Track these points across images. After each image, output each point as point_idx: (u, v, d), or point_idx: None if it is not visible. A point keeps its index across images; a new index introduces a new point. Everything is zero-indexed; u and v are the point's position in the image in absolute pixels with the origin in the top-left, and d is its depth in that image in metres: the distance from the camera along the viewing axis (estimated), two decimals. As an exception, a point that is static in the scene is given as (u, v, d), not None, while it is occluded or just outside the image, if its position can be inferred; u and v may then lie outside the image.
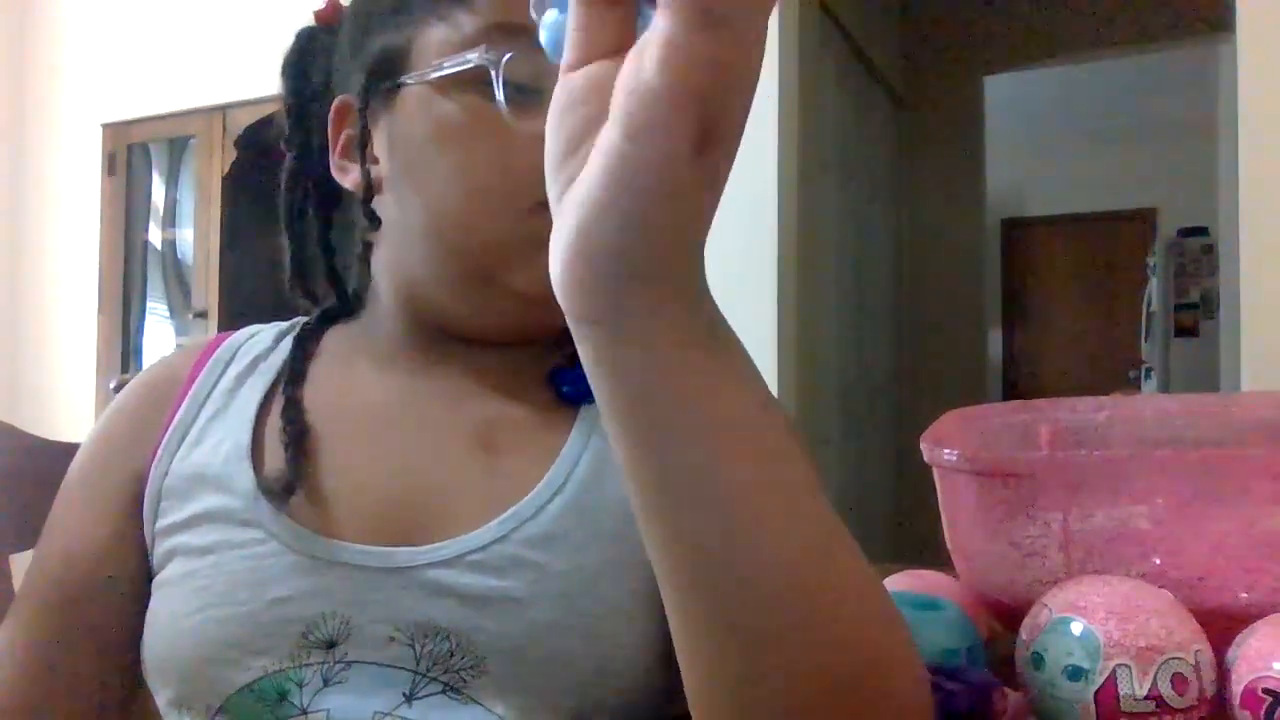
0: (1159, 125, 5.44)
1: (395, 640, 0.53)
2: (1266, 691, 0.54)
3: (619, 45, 0.31)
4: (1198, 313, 5.07)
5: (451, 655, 0.53)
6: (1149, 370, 5.20)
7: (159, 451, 0.60)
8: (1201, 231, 5.02)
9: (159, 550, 0.58)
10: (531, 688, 0.53)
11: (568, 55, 0.32)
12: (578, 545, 0.55)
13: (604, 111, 0.30)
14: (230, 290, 3.10)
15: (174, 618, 0.55)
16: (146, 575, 0.59)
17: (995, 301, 5.18)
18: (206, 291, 3.13)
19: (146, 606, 0.58)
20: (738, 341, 0.37)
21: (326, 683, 0.53)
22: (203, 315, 3.15)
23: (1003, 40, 3.79)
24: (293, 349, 0.63)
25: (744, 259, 2.26)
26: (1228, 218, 2.17)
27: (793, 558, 0.36)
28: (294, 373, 0.62)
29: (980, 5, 3.74)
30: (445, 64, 0.56)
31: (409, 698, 0.53)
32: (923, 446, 0.74)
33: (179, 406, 0.62)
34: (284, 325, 0.67)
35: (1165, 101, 5.22)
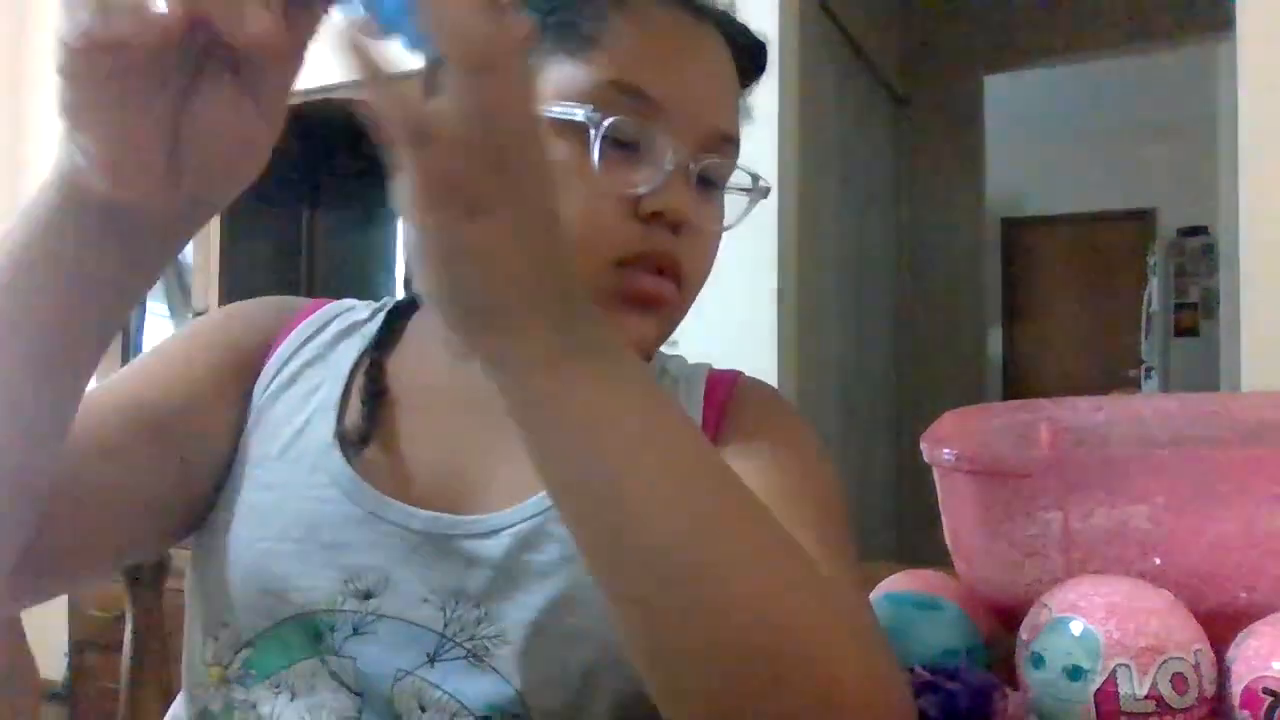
0: (1159, 125, 5.44)
1: (428, 602, 0.56)
2: (1266, 691, 0.54)
3: None
4: (1198, 313, 5.06)
5: (479, 623, 0.56)
6: (1149, 370, 5.20)
7: (266, 366, 0.64)
8: (1201, 231, 5.01)
9: (241, 472, 0.61)
10: (545, 662, 0.55)
11: None
12: None
13: None
14: (230, 290, 3.10)
15: (233, 540, 0.58)
16: (221, 462, 0.61)
17: (995, 301, 5.18)
18: (206, 291, 3.13)
19: (209, 483, 0.60)
20: (616, 356, 0.41)
21: (356, 631, 0.56)
22: (202, 315, 3.15)
23: (1003, 40, 3.79)
24: (385, 318, 0.68)
25: (744, 259, 2.26)
26: (1228, 218, 2.17)
27: (674, 540, 0.40)
28: (381, 339, 0.66)
29: (980, 5, 3.74)
30: (554, 108, 0.57)
31: (432, 659, 0.55)
32: (923, 446, 0.74)
33: (283, 339, 0.65)
34: (377, 304, 0.70)
35: (1165, 101, 5.21)
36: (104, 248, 0.40)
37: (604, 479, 0.40)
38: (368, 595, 0.56)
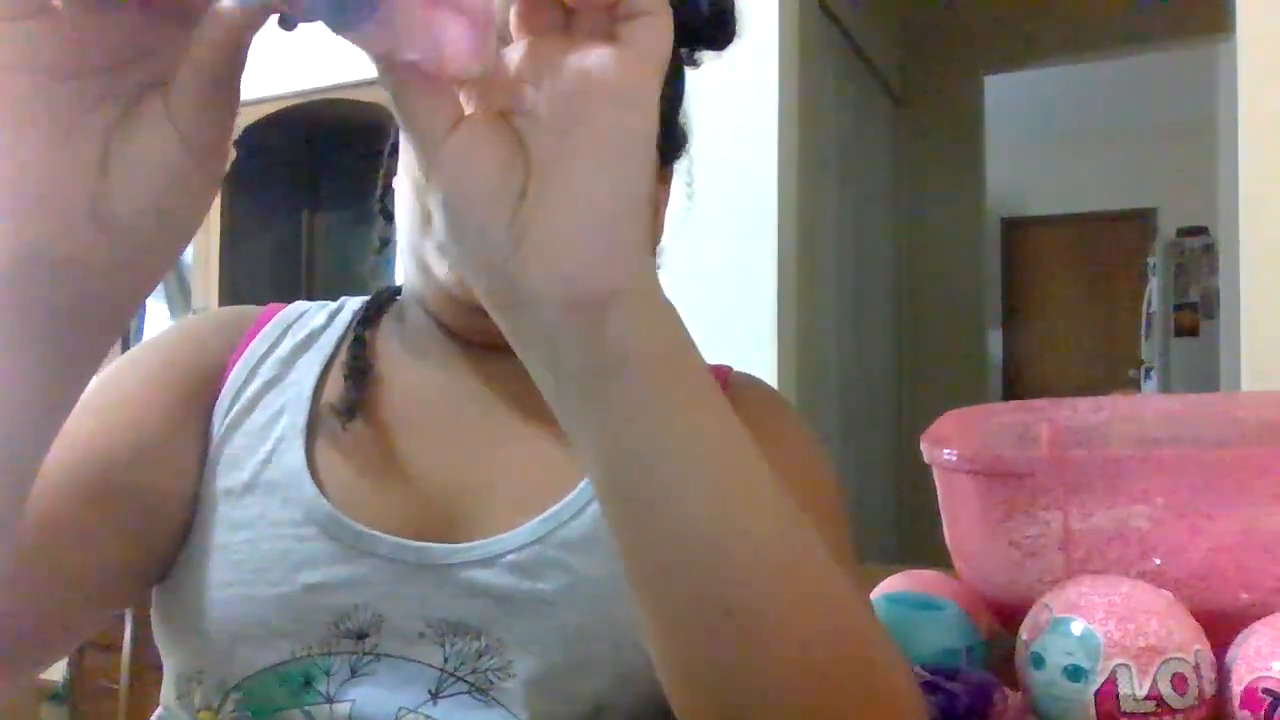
0: (1159, 125, 5.44)
1: (425, 637, 0.53)
2: (1266, 692, 0.54)
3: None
4: (1198, 313, 5.05)
5: (480, 656, 0.53)
6: (1149, 370, 5.19)
7: (222, 391, 0.59)
8: (1201, 231, 5.01)
9: (207, 510, 0.56)
10: (554, 693, 0.53)
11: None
12: (612, 551, 0.55)
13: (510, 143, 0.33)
14: (230, 290, 3.10)
15: (203, 588, 0.54)
16: (186, 504, 0.56)
17: (995, 301, 5.17)
18: (206, 291, 3.13)
19: (163, 532, 0.55)
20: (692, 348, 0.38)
21: (354, 673, 0.53)
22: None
23: (1003, 40, 3.79)
24: (370, 300, 0.65)
25: (744, 259, 2.26)
26: (1228, 218, 2.17)
27: (760, 538, 0.36)
28: (366, 316, 0.64)
29: (980, 5, 3.74)
30: None
31: (434, 695, 0.53)
32: (923, 446, 0.74)
33: (237, 360, 0.61)
34: (333, 304, 0.66)
35: (1165, 101, 5.21)
36: (28, 313, 0.33)
37: (669, 446, 0.35)
38: (361, 635, 0.53)
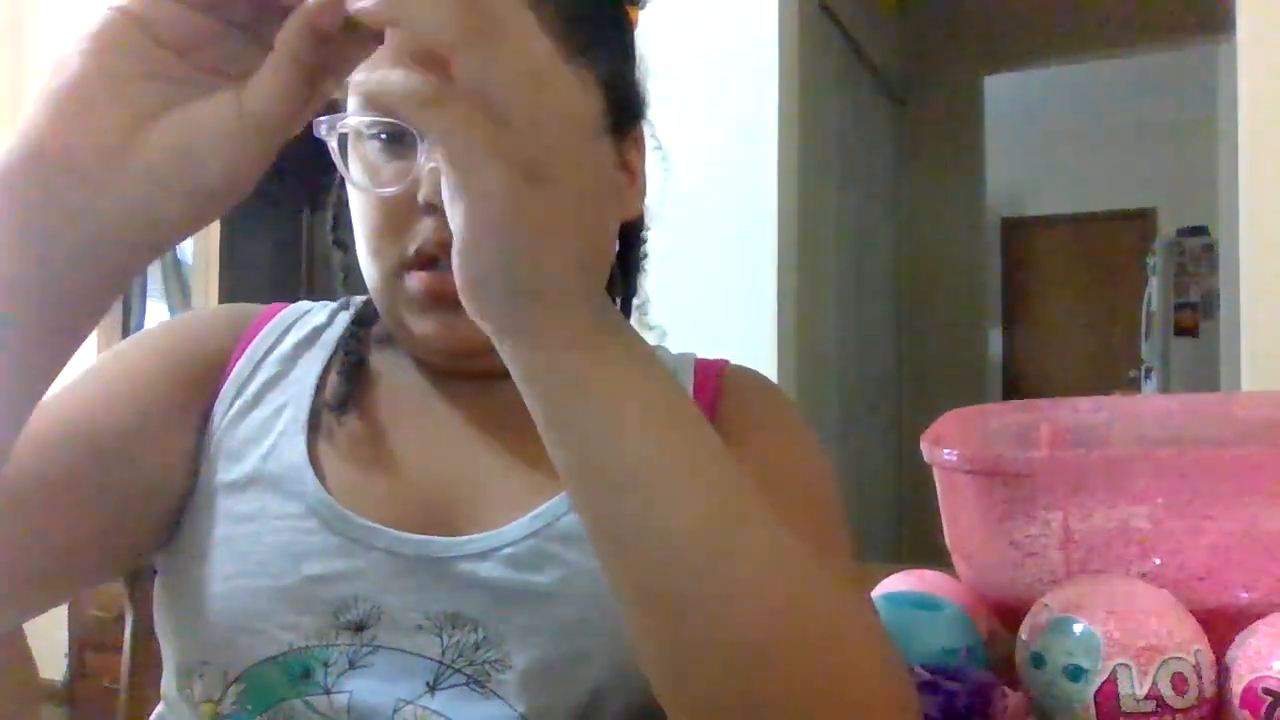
0: (1159, 125, 5.44)
1: (423, 629, 0.54)
2: (1266, 691, 0.54)
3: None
4: (1198, 313, 5.05)
5: (478, 648, 0.54)
6: (1149, 370, 5.19)
7: (223, 388, 0.60)
8: (1201, 231, 5.01)
9: (206, 503, 0.57)
10: (552, 685, 0.53)
11: None
12: None
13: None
14: (230, 290, 3.10)
15: (206, 579, 0.55)
16: (173, 488, 0.57)
17: (995, 301, 5.17)
18: (206, 291, 3.13)
19: (148, 516, 0.56)
20: (637, 340, 0.42)
21: (352, 665, 0.53)
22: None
23: (1003, 40, 3.79)
24: (369, 300, 0.64)
25: (744, 259, 2.26)
26: (1228, 218, 2.17)
27: (698, 525, 0.39)
28: (364, 315, 0.64)
29: (980, 5, 3.74)
30: (339, 121, 0.52)
31: (432, 687, 0.53)
32: (923, 446, 0.74)
33: (240, 355, 0.62)
34: (335, 304, 0.67)
35: (1165, 101, 5.21)
36: (51, 213, 0.35)
37: (631, 457, 0.39)
38: (360, 627, 0.54)
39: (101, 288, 0.37)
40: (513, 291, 0.37)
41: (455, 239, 0.36)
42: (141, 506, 0.56)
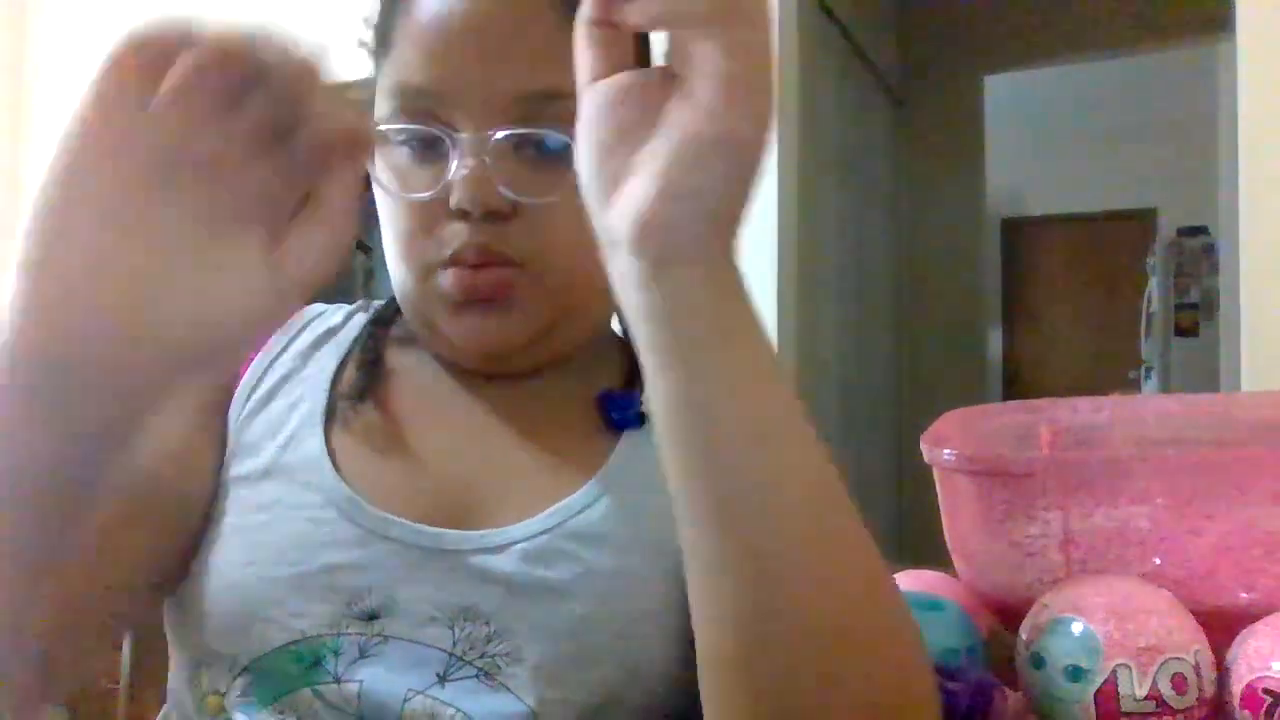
0: (1159, 125, 5.43)
1: (436, 620, 0.54)
2: (1266, 691, 0.54)
3: (625, 61, 0.39)
4: (1198, 313, 5.06)
5: (489, 641, 0.54)
6: (1149, 370, 5.19)
7: (240, 384, 0.61)
8: (1201, 231, 5.01)
9: (219, 494, 0.58)
10: (562, 680, 0.53)
11: (591, 69, 0.39)
12: (621, 546, 0.56)
13: (640, 108, 0.37)
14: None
15: (222, 568, 0.55)
16: (206, 502, 0.58)
17: (995, 301, 5.17)
18: (206, 292, 3.13)
19: (180, 528, 0.56)
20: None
21: (363, 654, 0.53)
22: None
23: (1003, 40, 3.79)
24: (388, 301, 0.65)
25: (744, 259, 2.26)
26: (1228, 218, 2.17)
27: (814, 493, 0.41)
28: (383, 315, 0.65)
29: (980, 5, 3.74)
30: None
31: (442, 679, 0.53)
32: (923, 446, 0.74)
33: (253, 355, 0.62)
34: (350, 306, 0.68)
35: (1165, 101, 5.21)
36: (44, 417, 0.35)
37: (769, 410, 0.40)
38: (372, 617, 0.54)
39: (131, 419, 0.38)
40: (714, 213, 0.38)
41: (659, 164, 0.36)
42: (176, 524, 0.57)
